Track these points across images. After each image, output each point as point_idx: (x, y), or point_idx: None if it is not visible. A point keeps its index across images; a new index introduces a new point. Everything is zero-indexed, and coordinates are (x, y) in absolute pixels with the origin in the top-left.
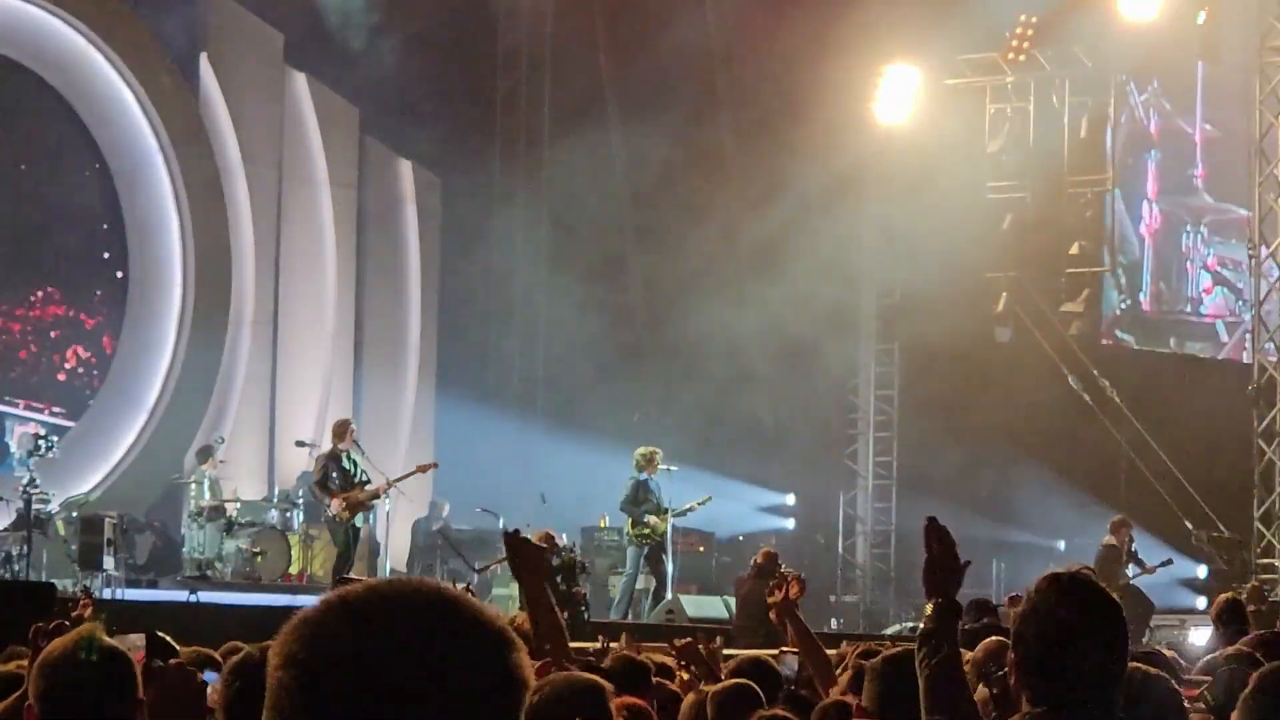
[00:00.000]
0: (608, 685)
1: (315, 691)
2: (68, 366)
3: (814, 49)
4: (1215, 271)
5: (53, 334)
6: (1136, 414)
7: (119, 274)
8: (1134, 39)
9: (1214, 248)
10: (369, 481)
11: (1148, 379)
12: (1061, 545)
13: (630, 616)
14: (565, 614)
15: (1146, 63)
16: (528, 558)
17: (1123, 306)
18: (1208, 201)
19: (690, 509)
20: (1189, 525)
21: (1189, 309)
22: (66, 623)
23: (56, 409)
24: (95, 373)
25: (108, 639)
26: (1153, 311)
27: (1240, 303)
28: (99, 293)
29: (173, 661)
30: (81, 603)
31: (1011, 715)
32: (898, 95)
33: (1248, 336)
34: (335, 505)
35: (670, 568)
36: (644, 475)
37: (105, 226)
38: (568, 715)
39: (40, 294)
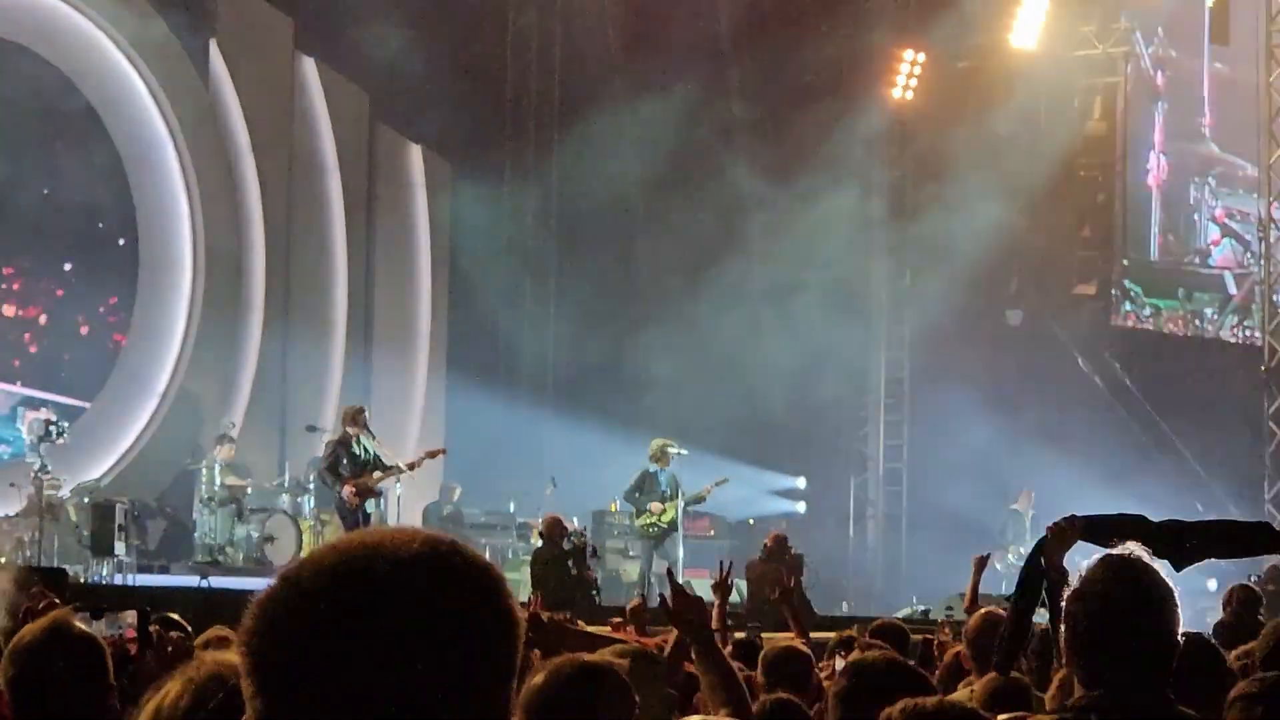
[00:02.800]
0: (621, 666)
1: (269, 665)
2: (76, 352)
3: (824, 31)
4: (1223, 224)
5: (63, 319)
6: (1148, 396)
7: (130, 260)
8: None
9: (1222, 199)
10: (379, 467)
11: (1159, 361)
12: None
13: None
14: (576, 597)
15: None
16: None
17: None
18: (1214, 151)
19: (703, 495)
20: (1199, 507)
21: (1197, 260)
22: (58, 602)
23: (64, 396)
24: (104, 358)
25: (80, 625)
26: (1161, 262)
27: (1249, 255)
28: (109, 279)
29: (174, 634)
30: (36, 591)
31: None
32: (908, 77)
33: (1257, 289)
34: (346, 491)
35: (681, 553)
36: (654, 467)
37: (115, 213)
38: (580, 700)
39: (50, 279)
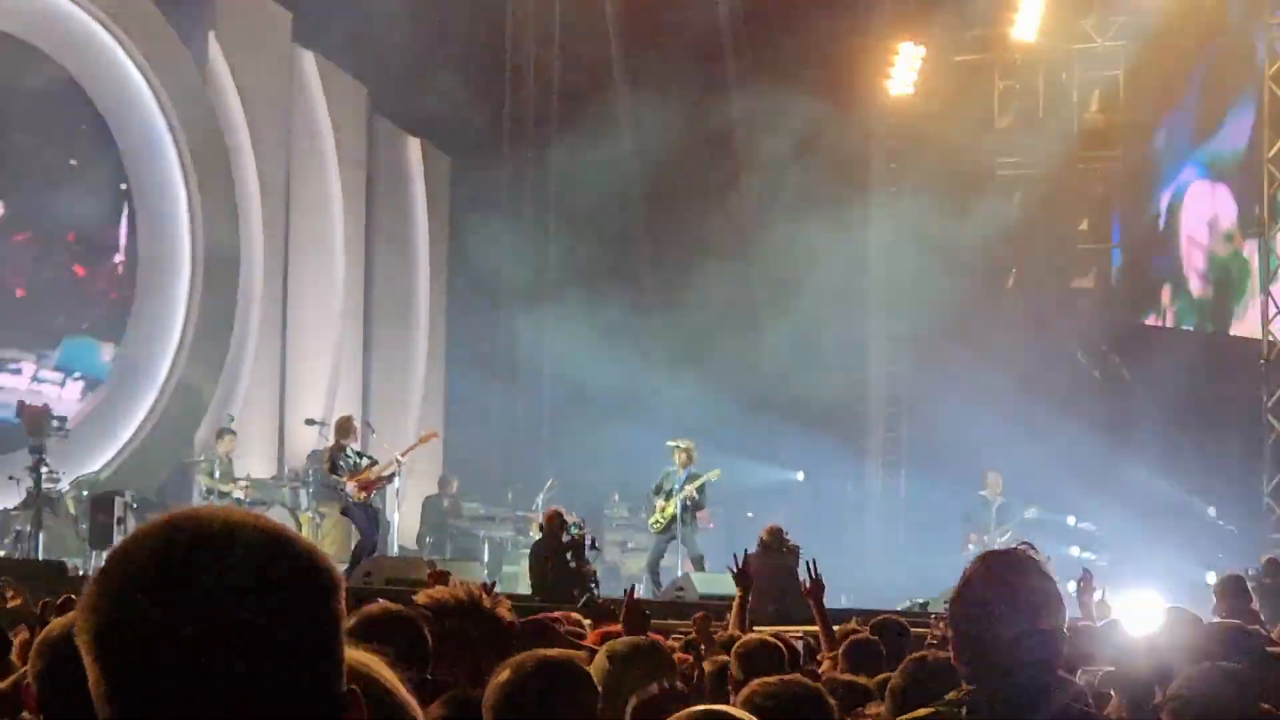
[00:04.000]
0: (581, 658)
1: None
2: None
3: (823, 25)
4: None
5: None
6: (1146, 389)
7: (129, 253)
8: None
9: None
10: (375, 463)
11: (1157, 354)
12: (1071, 520)
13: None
14: (575, 591)
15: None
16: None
17: None
18: None
19: (691, 491)
20: (1199, 500)
21: None
22: (74, 598)
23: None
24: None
25: None
26: None
27: None
28: (108, 272)
29: None
30: (10, 594)
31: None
32: (907, 72)
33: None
34: (351, 487)
35: (684, 547)
36: (672, 466)
37: (114, 205)
38: (547, 693)
39: (49, 273)
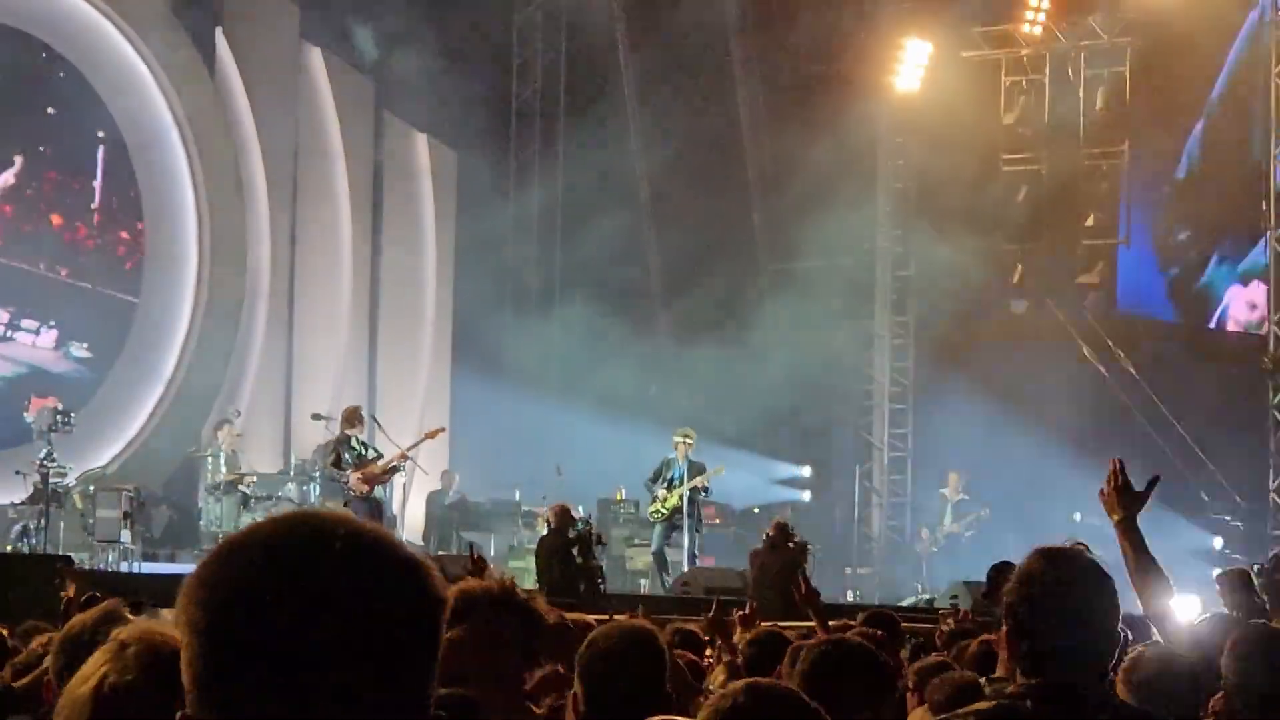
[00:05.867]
0: (657, 630)
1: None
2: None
3: (830, 22)
4: None
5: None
6: (1151, 385)
7: (135, 248)
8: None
9: None
10: (381, 457)
11: (1162, 350)
12: (1078, 516)
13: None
14: (581, 586)
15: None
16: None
17: None
18: None
19: (699, 485)
20: (1205, 496)
21: None
22: (97, 595)
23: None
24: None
25: (130, 616)
26: None
27: None
28: (115, 266)
29: None
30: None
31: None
32: (914, 68)
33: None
34: (353, 480)
35: (686, 540)
36: (673, 455)
37: (121, 200)
38: (624, 661)
39: (57, 266)
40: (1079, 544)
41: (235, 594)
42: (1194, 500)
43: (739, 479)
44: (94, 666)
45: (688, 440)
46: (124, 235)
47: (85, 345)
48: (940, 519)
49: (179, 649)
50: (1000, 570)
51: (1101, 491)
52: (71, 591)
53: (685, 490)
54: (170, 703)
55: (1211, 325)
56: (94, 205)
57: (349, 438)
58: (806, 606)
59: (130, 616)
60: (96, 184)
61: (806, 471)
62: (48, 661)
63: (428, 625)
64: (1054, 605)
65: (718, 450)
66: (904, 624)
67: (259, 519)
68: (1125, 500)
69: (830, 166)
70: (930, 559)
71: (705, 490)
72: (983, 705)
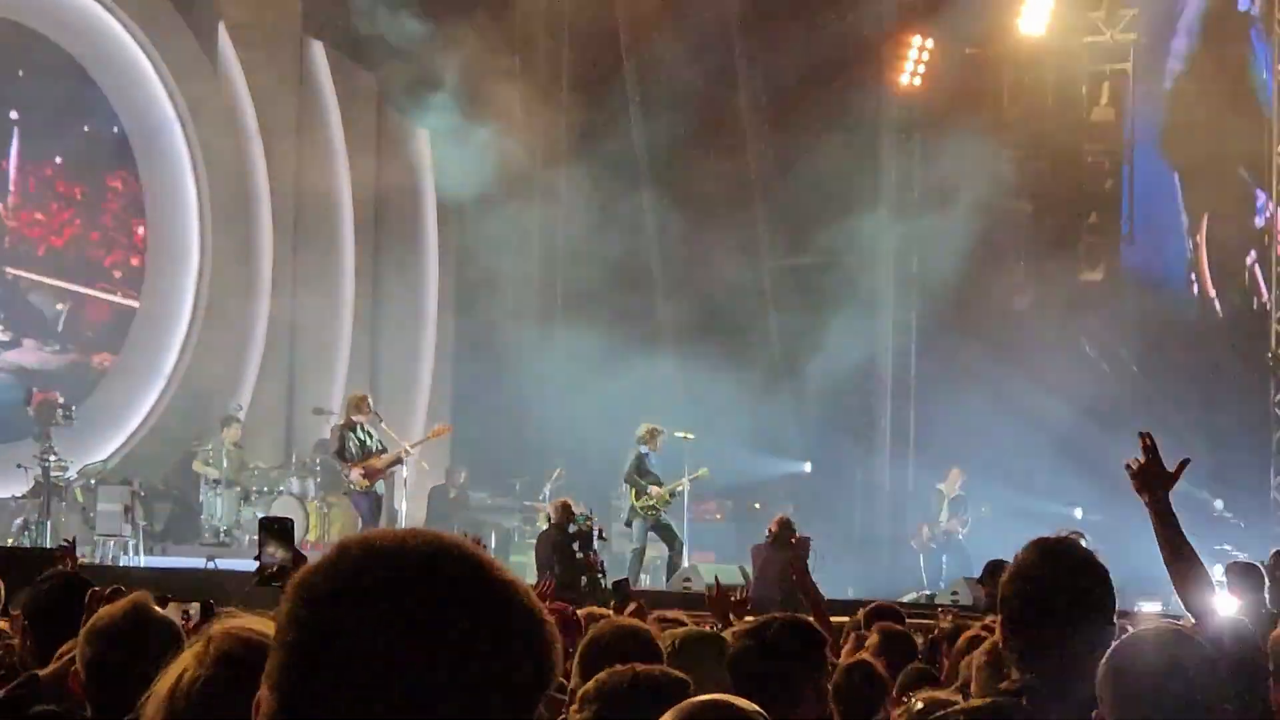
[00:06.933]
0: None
1: (309, 667)
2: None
3: (832, 16)
4: None
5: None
6: (1154, 382)
7: (137, 242)
8: None
9: None
10: (385, 451)
11: (1165, 346)
12: (1078, 513)
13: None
14: (582, 580)
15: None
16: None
17: None
18: None
19: (679, 489)
20: (1207, 495)
21: None
22: (122, 589)
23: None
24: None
25: (158, 609)
26: None
27: None
28: (118, 261)
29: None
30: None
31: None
32: (916, 63)
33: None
34: (355, 474)
35: (683, 536)
36: (645, 449)
37: (123, 194)
38: (621, 659)
39: (61, 260)
40: (1075, 534)
41: (338, 601)
42: (1198, 499)
43: (739, 475)
44: (180, 664)
45: (659, 433)
46: (126, 229)
47: (85, 340)
48: (937, 515)
49: (265, 647)
50: (996, 568)
51: (1130, 469)
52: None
53: (682, 487)
54: (248, 702)
55: (1214, 319)
56: (96, 199)
57: (355, 424)
58: (807, 602)
59: (156, 609)
60: (100, 177)
61: (808, 467)
62: (76, 652)
63: (533, 663)
64: (1048, 598)
65: (718, 444)
66: (907, 619)
67: (260, 514)
68: (1156, 480)
69: (832, 161)
70: (929, 555)
71: (675, 493)
72: (977, 702)
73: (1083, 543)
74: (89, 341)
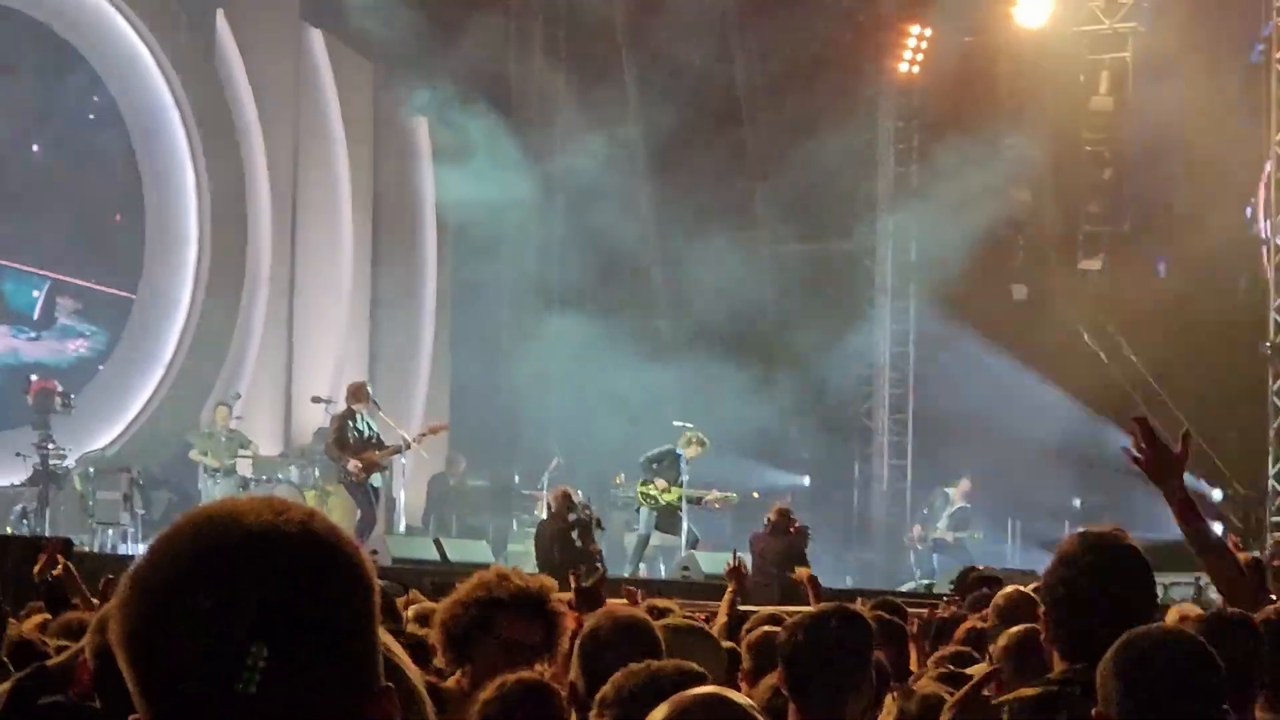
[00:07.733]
0: (652, 622)
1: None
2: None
3: (830, 4)
4: None
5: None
6: (1152, 371)
7: (135, 230)
8: None
9: None
10: (381, 444)
11: (1163, 336)
12: (1077, 503)
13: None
14: (580, 570)
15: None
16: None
17: None
18: None
19: (701, 499)
20: (1204, 483)
21: None
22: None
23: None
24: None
25: None
26: None
27: None
28: (115, 248)
29: None
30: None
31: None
32: (914, 52)
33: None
34: (352, 465)
35: (684, 528)
36: (681, 451)
37: (121, 182)
38: (621, 651)
39: (57, 249)
40: (1118, 529)
41: (134, 621)
42: (1194, 488)
43: (738, 464)
44: None
45: (703, 446)
46: (124, 217)
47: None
48: (937, 518)
49: None
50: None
51: (1134, 458)
52: (59, 570)
53: (700, 498)
54: None
55: (1213, 308)
56: (92, 187)
57: (355, 413)
58: (806, 590)
59: None
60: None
61: (806, 456)
62: (84, 641)
63: (335, 595)
64: (1093, 589)
65: (718, 439)
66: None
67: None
68: (1167, 465)
69: (830, 150)
70: (920, 555)
71: (698, 502)
72: (1029, 691)
73: (1127, 538)
74: (87, 331)
